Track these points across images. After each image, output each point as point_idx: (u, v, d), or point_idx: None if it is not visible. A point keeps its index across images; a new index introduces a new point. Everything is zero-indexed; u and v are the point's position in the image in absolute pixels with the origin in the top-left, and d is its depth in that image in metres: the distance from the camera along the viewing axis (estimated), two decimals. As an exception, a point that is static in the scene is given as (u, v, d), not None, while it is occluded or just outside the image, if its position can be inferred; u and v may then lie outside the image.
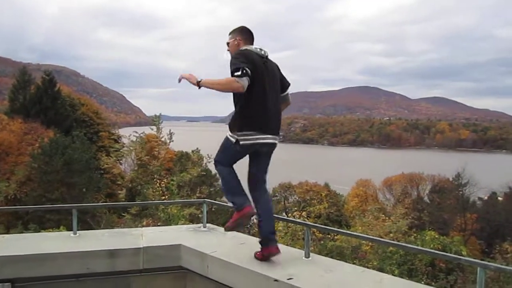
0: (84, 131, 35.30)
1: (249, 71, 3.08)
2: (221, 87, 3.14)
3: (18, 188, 24.29)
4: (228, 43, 3.49)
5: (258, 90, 3.22)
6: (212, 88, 3.16)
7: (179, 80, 3.35)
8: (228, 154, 3.46)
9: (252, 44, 3.45)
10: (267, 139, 3.35)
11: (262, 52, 3.36)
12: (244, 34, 3.45)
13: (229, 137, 3.35)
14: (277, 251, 3.41)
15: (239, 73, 3.05)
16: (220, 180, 3.84)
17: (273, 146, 3.44)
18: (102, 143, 38.47)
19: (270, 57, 3.46)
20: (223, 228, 4.41)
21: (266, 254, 3.41)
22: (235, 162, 3.51)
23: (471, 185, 42.11)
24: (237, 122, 3.30)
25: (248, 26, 3.52)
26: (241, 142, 3.28)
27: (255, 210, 3.42)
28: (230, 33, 3.50)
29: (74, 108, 41.15)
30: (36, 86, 37.64)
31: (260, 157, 3.51)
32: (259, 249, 3.47)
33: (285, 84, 3.58)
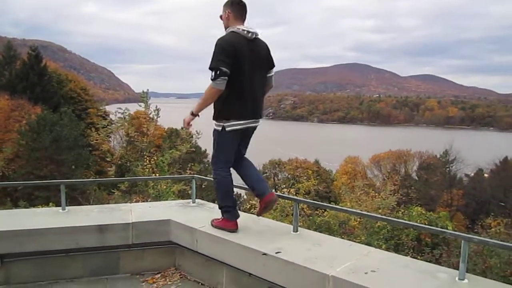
0: (72, 107, 34.91)
1: (223, 69, 3.16)
2: (208, 101, 3.32)
3: (5, 165, 24.09)
4: (221, 16, 3.47)
5: (239, 78, 3.26)
6: (205, 105, 3.36)
7: (186, 128, 3.75)
8: (223, 147, 3.49)
9: (243, 18, 3.41)
10: (251, 123, 3.45)
11: (249, 35, 3.34)
12: (234, 7, 3.40)
13: (216, 127, 3.42)
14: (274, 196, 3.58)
15: (213, 77, 3.19)
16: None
17: (255, 127, 3.56)
18: (90, 120, 38.11)
19: (261, 35, 3.45)
20: (211, 204, 4.44)
21: (267, 201, 3.53)
22: (234, 153, 3.54)
23: (458, 162, 42.76)
24: (221, 111, 3.36)
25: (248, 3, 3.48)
26: (227, 129, 3.34)
27: (236, 228, 3.61)
28: (223, 5, 3.47)
29: (62, 84, 40.59)
30: (22, 61, 36.95)
31: (244, 138, 3.60)
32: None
33: (270, 66, 3.57)
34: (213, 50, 3.26)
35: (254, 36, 3.37)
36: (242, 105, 3.34)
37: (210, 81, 3.22)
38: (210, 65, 3.21)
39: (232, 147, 3.49)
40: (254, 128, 3.55)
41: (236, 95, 3.29)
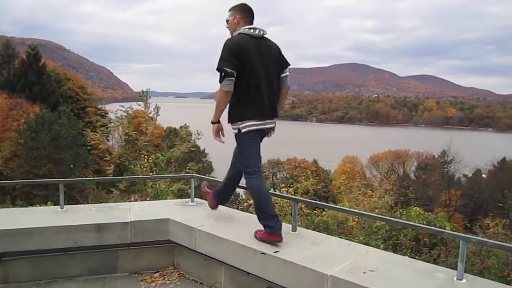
0: (70, 106, 34.87)
1: (228, 70, 3.13)
2: (221, 105, 3.28)
3: (4, 164, 24.05)
4: (227, 20, 3.44)
5: (249, 77, 3.22)
6: (221, 110, 3.31)
7: (218, 139, 3.43)
8: (245, 151, 3.41)
9: (251, 22, 3.39)
10: (266, 124, 3.39)
11: (256, 32, 3.32)
12: (244, 12, 3.38)
13: (233, 130, 3.36)
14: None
15: (220, 79, 3.17)
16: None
17: (270, 129, 3.49)
18: (89, 119, 38.07)
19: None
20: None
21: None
22: (259, 153, 3.46)
23: (456, 162, 42.74)
24: (234, 113, 3.33)
25: (246, 2, 3.45)
26: (242, 130, 3.29)
27: (280, 240, 3.32)
28: (230, 10, 3.44)
29: (60, 83, 40.51)
30: (21, 60, 36.85)
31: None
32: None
33: (283, 65, 3.51)
34: (221, 51, 3.23)
35: (262, 33, 3.35)
36: (254, 104, 3.29)
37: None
38: (217, 66, 3.18)
39: (253, 148, 3.41)
40: (270, 129, 3.47)
41: (247, 95, 3.25)
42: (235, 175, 3.75)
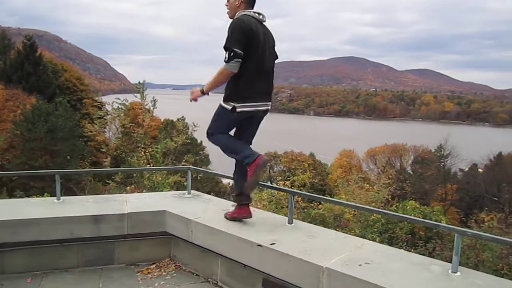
0: (67, 98, 34.69)
1: (237, 51, 3.07)
2: (219, 82, 3.24)
3: (0, 155, 23.96)
4: (228, 0, 3.36)
5: (255, 57, 3.19)
6: (216, 86, 3.29)
7: (191, 100, 3.47)
8: (223, 123, 3.42)
9: (253, 6, 3.35)
10: (263, 106, 3.38)
11: (261, 17, 3.31)
12: None
13: (224, 105, 3.29)
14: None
15: (226, 58, 3.10)
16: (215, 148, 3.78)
17: (266, 111, 3.46)
18: (86, 110, 37.91)
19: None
20: (207, 195, 4.44)
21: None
22: (229, 131, 3.49)
23: (452, 156, 42.94)
24: (233, 91, 3.26)
25: None
26: (238, 109, 3.23)
27: (266, 157, 3.45)
28: None
29: (57, 74, 40.27)
30: (17, 51, 36.61)
31: (253, 123, 3.51)
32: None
33: (275, 56, 3.52)
34: (228, 30, 3.15)
35: (264, 19, 3.34)
36: (256, 86, 3.27)
37: (223, 63, 3.13)
38: (225, 44, 3.11)
39: (232, 126, 3.46)
40: (265, 112, 3.44)
41: (250, 76, 3.21)
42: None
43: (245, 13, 3.27)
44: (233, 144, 3.47)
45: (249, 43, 3.13)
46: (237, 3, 3.31)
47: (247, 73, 3.19)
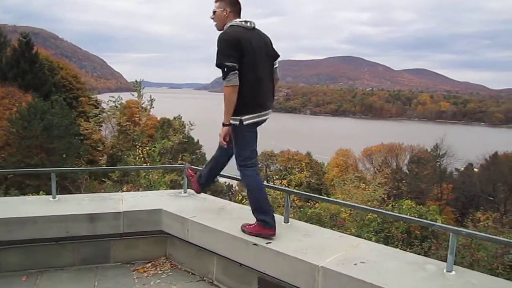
0: (63, 96, 34.62)
1: (229, 65, 3.05)
2: (231, 103, 3.13)
3: (-5, 153, 23.88)
4: (214, 12, 3.33)
5: (248, 67, 3.16)
6: (230, 107, 3.14)
7: (225, 143, 3.30)
8: (242, 142, 3.33)
9: (239, 15, 3.32)
10: (265, 114, 3.35)
11: (248, 24, 3.26)
12: (234, 6, 3.30)
13: (233, 122, 3.23)
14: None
15: (223, 75, 3.08)
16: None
17: (266, 119, 3.43)
18: (82, 109, 37.79)
19: (256, 25, 3.36)
20: (203, 194, 4.44)
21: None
22: (255, 149, 3.40)
23: (448, 156, 43.05)
24: (237, 106, 3.19)
25: None
26: (245, 122, 3.20)
27: (274, 235, 3.31)
28: (217, 1, 3.33)
29: (53, 72, 40.15)
30: (13, 48, 36.44)
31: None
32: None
33: (275, 56, 3.47)
34: (216, 47, 3.13)
35: (252, 25, 3.29)
36: (257, 96, 3.24)
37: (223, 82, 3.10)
38: (216, 62, 3.10)
39: (251, 140, 3.35)
40: (266, 119, 3.41)
41: (248, 87, 3.17)
42: (219, 163, 3.71)
43: (231, 23, 3.24)
44: (262, 198, 3.36)
45: (239, 54, 3.10)
46: (225, 13, 3.28)
47: (244, 84, 3.16)
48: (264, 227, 3.27)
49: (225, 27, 3.27)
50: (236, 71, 3.08)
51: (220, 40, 3.15)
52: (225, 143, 3.29)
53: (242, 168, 3.36)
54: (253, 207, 3.36)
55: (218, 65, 3.10)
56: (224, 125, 3.23)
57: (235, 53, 3.09)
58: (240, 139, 3.32)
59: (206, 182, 3.93)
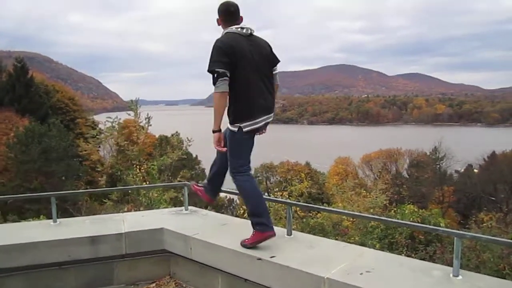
0: (60, 118, 34.57)
1: (219, 71, 3.06)
2: (220, 109, 3.13)
3: (-6, 178, 23.78)
4: (217, 20, 3.41)
5: (244, 73, 3.17)
6: (220, 113, 3.15)
7: (221, 148, 3.29)
8: (237, 149, 3.34)
9: (234, 21, 3.34)
10: (268, 118, 3.35)
11: (244, 31, 3.28)
12: (225, 15, 3.35)
13: (231, 128, 3.25)
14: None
15: (213, 81, 3.08)
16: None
17: (268, 123, 3.42)
18: (79, 130, 37.78)
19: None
20: (204, 210, 4.42)
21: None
22: (250, 155, 3.41)
23: (447, 158, 43.04)
24: (235, 112, 3.23)
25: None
26: (244, 129, 3.21)
27: (274, 235, 3.34)
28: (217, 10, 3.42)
29: (49, 95, 40.19)
30: (8, 74, 36.55)
31: (253, 137, 3.45)
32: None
33: (274, 61, 3.47)
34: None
35: (249, 32, 3.30)
36: (253, 102, 3.23)
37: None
38: (208, 68, 3.12)
39: (247, 148, 3.36)
40: (265, 125, 3.38)
41: (244, 94, 3.18)
42: (221, 166, 3.65)
43: (227, 31, 3.28)
44: (258, 202, 3.38)
45: (233, 61, 3.11)
46: (218, 22, 3.38)
47: (241, 91, 3.17)
48: (263, 231, 3.28)
49: (221, 35, 3.32)
50: (226, 78, 3.08)
51: (213, 46, 3.18)
52: (221, 148, 3.29)
53: (237, 175, 3.37)
54: (250, 211, 3.37)
55: (209, 71, 3.12)
56: (214, 131, 3.23)
57: (227, 59, 3.10)
58: (237, 146, 3.33)
59: (215, 189, 3.88)
